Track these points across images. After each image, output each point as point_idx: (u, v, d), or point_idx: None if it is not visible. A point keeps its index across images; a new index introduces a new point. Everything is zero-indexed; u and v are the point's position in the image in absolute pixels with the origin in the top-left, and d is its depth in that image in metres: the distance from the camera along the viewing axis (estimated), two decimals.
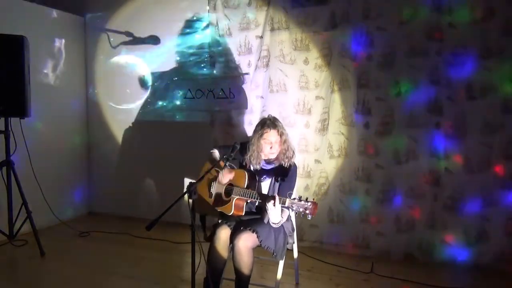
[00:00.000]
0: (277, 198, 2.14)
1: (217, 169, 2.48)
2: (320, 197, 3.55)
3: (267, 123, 2.43)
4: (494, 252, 3.06)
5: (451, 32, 3.07)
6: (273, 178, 2.46)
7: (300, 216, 2.13)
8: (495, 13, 2.96)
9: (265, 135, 2.41)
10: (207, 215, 2.63)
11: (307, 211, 2.07)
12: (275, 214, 2.18)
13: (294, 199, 2.12)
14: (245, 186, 2.37)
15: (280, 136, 2.42)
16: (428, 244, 3.23)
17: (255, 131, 2.47)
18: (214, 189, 2.53)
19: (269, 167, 2.51)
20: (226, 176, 2.46)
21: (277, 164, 2.49)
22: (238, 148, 2.42)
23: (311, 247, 3.54)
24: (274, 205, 2.14)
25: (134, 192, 4.45)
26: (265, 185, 2.49)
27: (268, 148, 2.41)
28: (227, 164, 2.40)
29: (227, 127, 3.86)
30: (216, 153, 2.64)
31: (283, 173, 2.43)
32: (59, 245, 3.62)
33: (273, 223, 2.24)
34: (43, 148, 4.01)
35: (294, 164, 2.49)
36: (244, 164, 2.53)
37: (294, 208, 2.10)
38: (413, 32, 3.16)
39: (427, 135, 3.19)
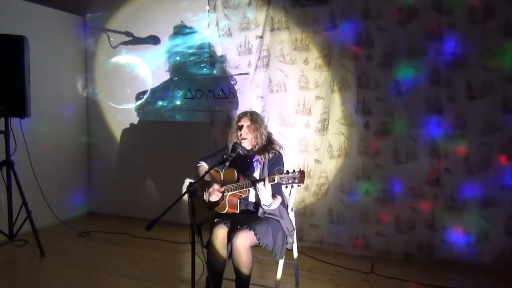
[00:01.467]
0: (266, 178, 2.20)
1: (212, 172, 2.48)
2: (320, 197, 3.55)
3: (243, 111, 2.64)
4: (494, 252, 3.06)
5: (451, 32, 3.07)
6: (261, 161, 2.49)
7: (291, 187, 2.22)
8: (495, 13, 2.96)
9: (238, 119, 2.59)
10: (203, 224, 2.62)
11: (296, 180, 2.14)
12: (265, 195, 2.23)
13: (282, 173, 2.19)
14: (236, 180, 2.40)
15: (252, 122, 2.53)
16: (428, 244, 3.23)
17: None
18: (207, 196, 2.54)
19: (249, 156, 2.57)
20: (210, 183, 2.48)
21: (255, 153, 2.54)
22: (238, 148, 2.46)
23: (311, 247, 3.54)
24: (265, 186, 2.19)
25: (134, 192, 4.46)
26: (256, 175, 2.51)
27: (239, 132, 2.53)
28: (227, 164, 2.39)
29: (227, 127, 3.84)
30: (203, 166, 2.64)
31: (267, 152, 2.49)
32: (59, 245, 3.62)
33: (264, 205, 2.28)
34: (43, 148, 4.01)
35: (278, 151, 2.55)
36: (227, 163, 2.53)
37: (284, 182, 2.17)
38: (413, 32, 3.17)
39: (427, 135, 3.19)
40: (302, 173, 2.16)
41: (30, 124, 3.60)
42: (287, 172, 2.18)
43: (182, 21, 4.02)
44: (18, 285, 2.87)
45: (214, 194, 2.43)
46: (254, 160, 2.55)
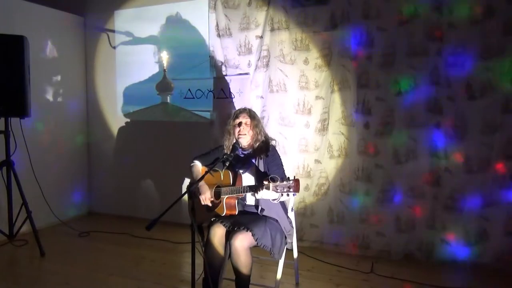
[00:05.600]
0: (265, 185, 2.13)
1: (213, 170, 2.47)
2: (320, 197, 3.55)
3: (242, 108, 2.59)
4: (494, 252, 3.06)
5: (451, 32, 3.07)
6: (257, 161, 2.46)
7: (287, 196, 2.15)
8: (495, 13, 2.96)
9: (235, 116, 2.53)
10: (203, 223, 2.62)
11: (291, 189, 2.09)
12: (269, 195, 2.20)
13: (276, 181, 2.12)
14: (232, 183, 2.39)
15: (251, 119, 2.50)
16: (428, 244, 3.23)
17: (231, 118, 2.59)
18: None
19: (245, 153, 2.55)
20: (203, 188, 2.42)
21: (251, 151, 2.52)
22: (238, 148, 2.47)
23: (311, 247, 3.54)
24: (267, 189, 2.14)
25: (134, 192, 4.46)
26: (251, 173, 2.48)
27: (237, 129, 2.49)
28: (227, 164, 2.38)
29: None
30: (197, 165, 2.60)
31: (264, 152, 2.46)
32: (59, 245, 3.62)
33: (273, 200, 2.25)
34: (43, 148, 4.02)
35: (272, 145, 2.53)
36: (227, 164, 2.53)
37: (279, 190, 2.11)
38: (413, 32, 3.16)
39: (427, 135, 3.19)
40: (297, 181, 2.10)
41: (30, 124, 3.60)
42: (282, 179, 2.13)
43: (177, 12, 4.02)
44: (18, 285, 2.87)
45: (205, 202, 2.41)
46: (251, 156, 2.52)
